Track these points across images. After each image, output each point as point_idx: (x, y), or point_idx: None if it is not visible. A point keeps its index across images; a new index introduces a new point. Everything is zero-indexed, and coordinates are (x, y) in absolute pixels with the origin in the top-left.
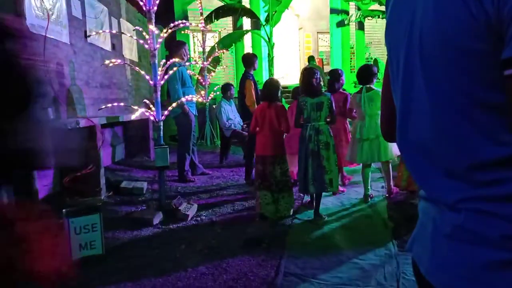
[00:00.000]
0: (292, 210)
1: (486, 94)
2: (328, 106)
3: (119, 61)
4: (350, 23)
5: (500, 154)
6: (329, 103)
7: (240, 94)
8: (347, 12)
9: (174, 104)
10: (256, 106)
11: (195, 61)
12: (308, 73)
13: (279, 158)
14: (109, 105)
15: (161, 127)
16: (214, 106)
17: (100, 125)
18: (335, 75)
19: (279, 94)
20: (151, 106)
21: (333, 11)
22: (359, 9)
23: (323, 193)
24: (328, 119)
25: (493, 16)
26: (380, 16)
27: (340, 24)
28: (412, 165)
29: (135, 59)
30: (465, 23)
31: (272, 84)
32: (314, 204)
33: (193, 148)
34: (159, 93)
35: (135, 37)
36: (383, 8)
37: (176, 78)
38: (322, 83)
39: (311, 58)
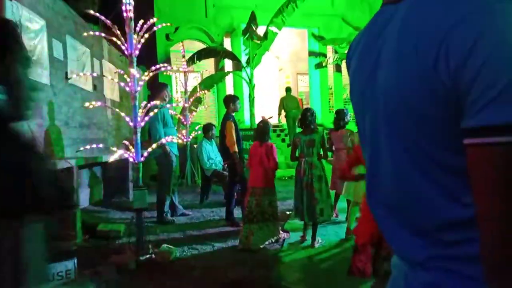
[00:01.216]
0: (275, 238)
1: (448, 157)
2: (320, 142)
3: (99, 103)
4: (328, 65)
5: (465, 215)
6: (321, 140)
7: (221, 135)
8: (324, 55)
9: (154, 145)
10: (236, 147)
11: (177, 101)
12: (305, 111)
13: (267, 190)
14: (88, 146)
15: (140, 169)
16: (195, 145)
17: (78, 166)
18: (341, 114)
19: (269, 134)
20: (130, 147)
21: (311, 53)
22: (336, 52)
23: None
24: (321, 154)
25: (450, 87)
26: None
27: (318, 66)
28: (381, 223)
29: (117, 99)
30: (425, 91)
31: (263, 125)
32: (312, 232)
33: (174, 188)
34: (139, 134)
35: (116, 80)
36: None
37: (158, 119)
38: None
39: (288, 89)
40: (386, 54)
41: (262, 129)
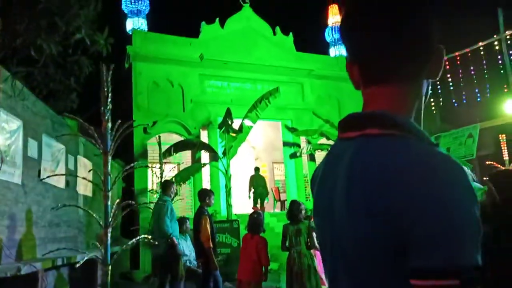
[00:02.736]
0: None
1: None
2: (307, 232)
3: (69, 204)
4: (302, 155)
5: None
6: (307, 229)
7: (195, 230)
8: (298, 145)
9: (149, 236)
10: (210, 242)
11: (152, 193)
12: (292, 203)
13: (253, 285)
14: (56, 249)
15: (109, 271)
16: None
17: (44, 269)
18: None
19: (262, 226)
20: (100, 247)
21: (285, 144)
22: (309, 142)
23: None
24: (308, 244)
25: (393, 234)
26: (328, 149)
27: (293, 155)
28: None
29: (89, 194)
30: (370, 235)
31: (255, 217)
32: None
33: (164, 282)
34: (109, 235)
35: (90, 179)
36: (330, 142)
37: (167, 213)
38: (303, 211)
39: (256, 169)
40: (339, 193)
41: (254, 221)
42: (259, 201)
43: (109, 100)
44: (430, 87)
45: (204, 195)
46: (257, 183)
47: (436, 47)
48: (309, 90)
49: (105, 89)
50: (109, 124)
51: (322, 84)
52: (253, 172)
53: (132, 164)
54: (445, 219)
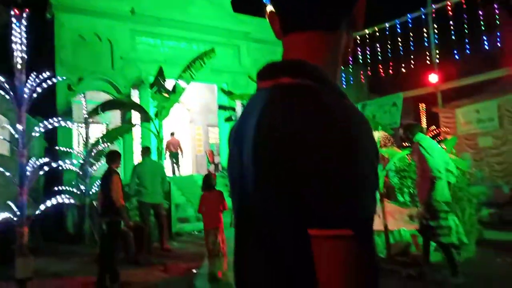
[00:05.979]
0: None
1: (295, 249)
2: None
3: None
4: (237, 119)
5: None
6: None
7: (103, 189)
8: (233, 109)
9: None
10: (122, 200)
11: (77, 154)
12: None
13: (218, 230)
14: None
15: (25, 233)
16: (95, 202)
17: None
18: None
19: (213, 183)
20: (15, 208)
21: (221, 107)
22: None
23: None
24: None
25: (294, 190)
26: None
27: (228, 119)
28: None
29: (7, 153)
30: (273, 191)
31: (207, 178)
32: None
33: None
34: (25, 196)
35: (1, 136)
36: None
37: None
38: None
39: (172, 134)
40: (246, 151)
41: (206, 181)
42: (175, 161)
43: (23, 48)
44: (352, 42)
45: (112, 157)
46: (172, 146)
47: None
48: (246, 53)
49: (19, 37)
50: (23, 76)
51: (259, 47)
52: (194, 144)
53: (51, 120)
54: (347, 171)
